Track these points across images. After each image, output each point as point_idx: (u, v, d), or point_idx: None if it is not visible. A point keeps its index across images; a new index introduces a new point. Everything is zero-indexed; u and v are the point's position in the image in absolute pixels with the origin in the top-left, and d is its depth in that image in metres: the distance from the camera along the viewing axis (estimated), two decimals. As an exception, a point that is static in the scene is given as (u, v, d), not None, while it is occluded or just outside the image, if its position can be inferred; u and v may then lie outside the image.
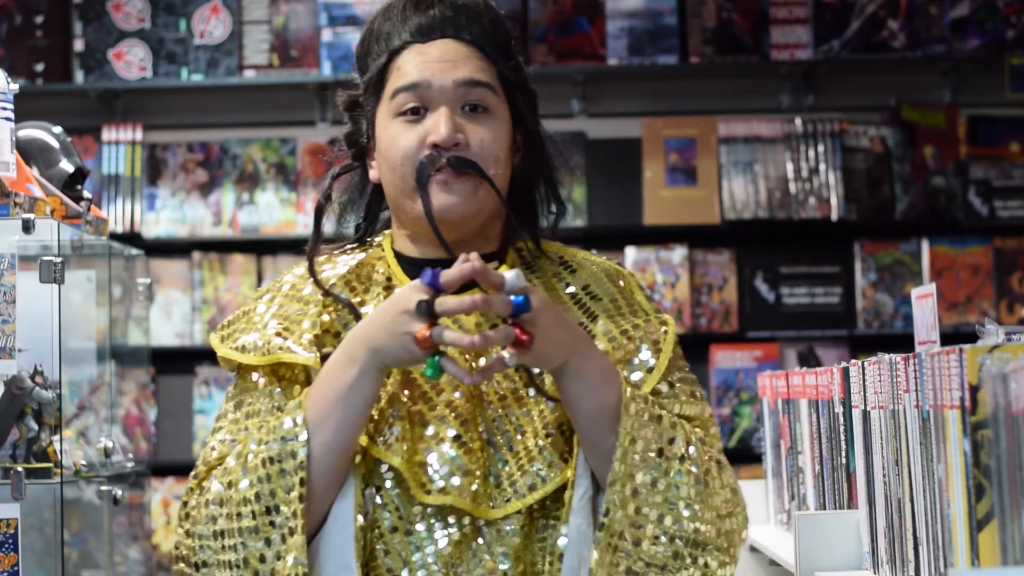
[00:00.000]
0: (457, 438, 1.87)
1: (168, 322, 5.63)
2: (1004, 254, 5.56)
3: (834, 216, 5.52)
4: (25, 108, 3.24)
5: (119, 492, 3.52)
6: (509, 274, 1.78)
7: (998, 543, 1.63)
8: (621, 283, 2.00)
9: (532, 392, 1.91)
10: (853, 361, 2.36)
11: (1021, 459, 1.59)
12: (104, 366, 3.70)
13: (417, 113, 1.93)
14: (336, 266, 2.01)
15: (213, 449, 1.94)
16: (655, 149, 5.59)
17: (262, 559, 1.84)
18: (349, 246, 2.04)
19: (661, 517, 1.83)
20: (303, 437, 1.84)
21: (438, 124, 1.91)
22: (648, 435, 1.84)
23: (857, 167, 5.57)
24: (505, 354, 1.79)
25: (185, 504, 1.92)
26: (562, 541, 1.85)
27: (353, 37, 5.61)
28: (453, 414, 1.88)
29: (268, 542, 1.83)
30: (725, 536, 1.88)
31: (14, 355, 2.84)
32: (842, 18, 5.59)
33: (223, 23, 5.67)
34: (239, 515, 1.85)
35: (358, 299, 1.97)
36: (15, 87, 2.96)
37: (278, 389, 1.94)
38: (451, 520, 1.87)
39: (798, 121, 5.58)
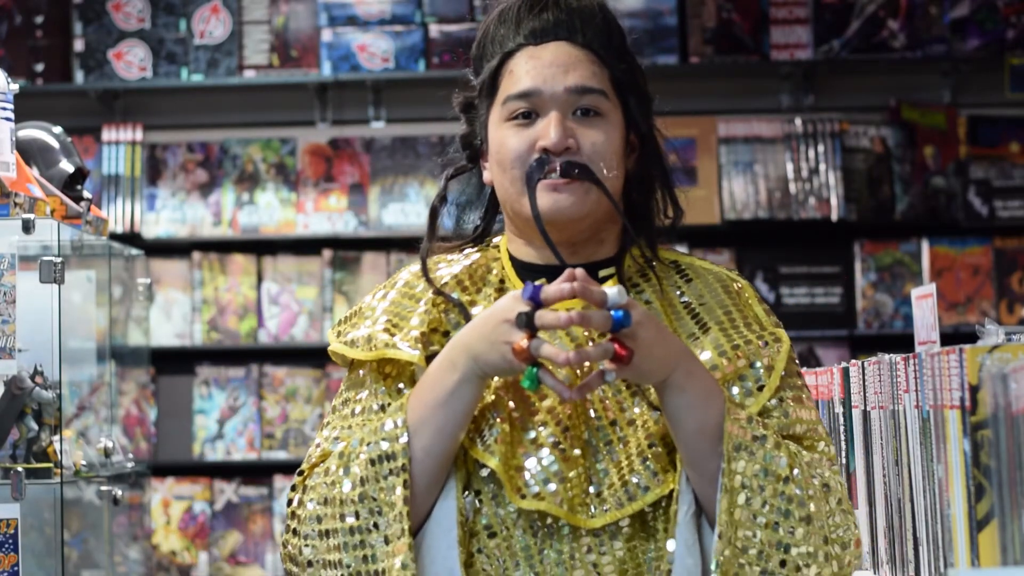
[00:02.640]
0: (556, 444, 1.84)
1: (168, 322, 5.62)
2: (1004, 254, 5.56)
3: (834, 216, 5.51)
4: (25, 108, 3.24)
5: (119, 492, 3.52)
6: (612, 291, 1.76)
7: (998, 543, 1.63)
8: (737, 294, 1.97)
9: (637, 402, 1.88)
10: (853, 361, 2.36)
11: (1021, 459, 1.59)
12: (104, 366, 3.70)
13: (528, 117, 1.91)
14: (451, 265, 1.99)
15: (318, 446, 1.94)
16: (655, 149, 5.58)
17: (365, 560, 1.83)
18: (467, 246, 2.03)
19: (765, 542, 1.80)
20: (403, 440, 1.83)
21: (548, 129, 1.88)
22: (748, 459, 1.81)
23: (857, 167, 5.57)
24: (605, 369, 1.77)
25: (290, 502, 1.92)
26: (671, 544, 1.82)
27: (353, 37, 5.62)
28: (554, 420, 1.86)
29: (373, 544, 1.83)
30: (834, 560, 1.83)
31: (14, 355, 2.85)
32: (842, 18, 5.59)
33: (223, 23, 5.67)
34: (343, 516, 1.84)
35: (469, 299, 1.95)
36: (15, 87, 2.96)
37: (383, 388, 1.93)
38: (551, 526, 1.84)
39: (798, 121, 5.58)
